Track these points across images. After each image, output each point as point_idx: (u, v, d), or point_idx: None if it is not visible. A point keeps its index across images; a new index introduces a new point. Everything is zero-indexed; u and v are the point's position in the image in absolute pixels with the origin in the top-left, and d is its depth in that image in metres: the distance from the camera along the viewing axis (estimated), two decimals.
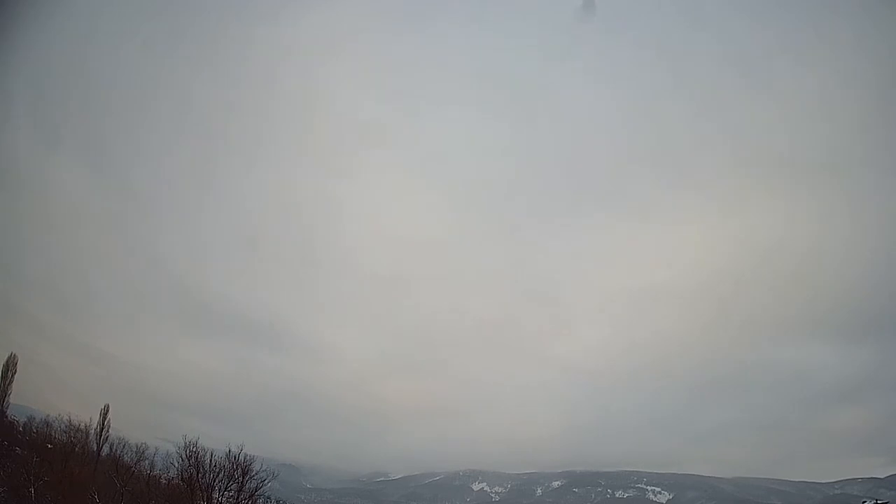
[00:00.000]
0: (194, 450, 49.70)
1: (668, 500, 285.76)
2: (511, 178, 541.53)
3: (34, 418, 72.05)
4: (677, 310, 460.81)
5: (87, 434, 64.53)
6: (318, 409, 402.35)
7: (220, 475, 50.48)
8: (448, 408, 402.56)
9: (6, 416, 69.02)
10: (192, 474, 49.09)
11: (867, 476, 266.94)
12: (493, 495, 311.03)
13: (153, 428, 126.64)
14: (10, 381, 67.82)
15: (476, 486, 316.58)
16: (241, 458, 50.73)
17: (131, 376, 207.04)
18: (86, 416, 65.96)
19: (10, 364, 68.10)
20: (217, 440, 54.10)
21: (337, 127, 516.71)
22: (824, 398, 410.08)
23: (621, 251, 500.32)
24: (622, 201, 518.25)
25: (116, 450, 63.74)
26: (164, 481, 57.75)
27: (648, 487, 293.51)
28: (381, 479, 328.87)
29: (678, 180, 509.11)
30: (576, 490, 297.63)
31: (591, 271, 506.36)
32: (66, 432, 63.18)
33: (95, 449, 64.59)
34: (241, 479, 50.81)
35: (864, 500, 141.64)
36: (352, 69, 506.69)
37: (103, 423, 66.92)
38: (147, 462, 62.83)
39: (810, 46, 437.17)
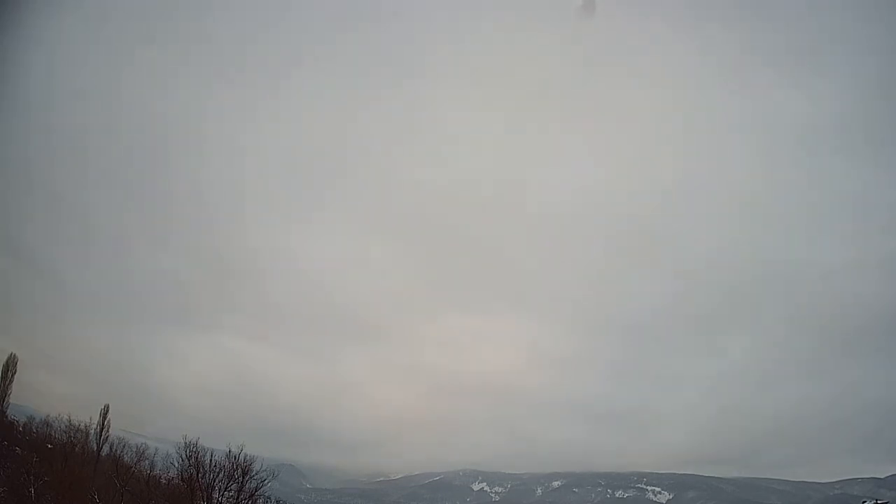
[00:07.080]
0: (194, 450, 49.44)
1: (668, 500, 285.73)
2: None
3: (34, 418, 71.88)
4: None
5: (87, 434, 64.33)
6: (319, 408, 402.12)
7: (220, 475, 50.21)
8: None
9: (6, 416, 68.74)
10: (192, 474, 48.84)
11: (867, 476, 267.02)
12: (493, 495, 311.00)
13: (153, 428, 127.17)
14: (10, 381, 67.49)
15: (476, 486, 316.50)
16: (241, 458, 50.47)
17: (131, 376, 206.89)
18: (86, 416, 65.89)
19: (10, 364, 67.77)
20: (217, 440, 54.10)
21: None
22: (826, 397, 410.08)
23: None
24: None
25: (116, 450, 63.49)
26: (164, 481, 57.56)
27: (648, 487, 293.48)
28: (381, 479, 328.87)
29: None
30: (576, 490, 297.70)
31: None
32: (66, 432, 63.02)
33: (95, 449, 64.33)
34: (241, 479, 50.53)
35: (864, 500, 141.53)
36: None
37: (103, 423, 66.62)
38: (147, 462, 62.72)
39: None
